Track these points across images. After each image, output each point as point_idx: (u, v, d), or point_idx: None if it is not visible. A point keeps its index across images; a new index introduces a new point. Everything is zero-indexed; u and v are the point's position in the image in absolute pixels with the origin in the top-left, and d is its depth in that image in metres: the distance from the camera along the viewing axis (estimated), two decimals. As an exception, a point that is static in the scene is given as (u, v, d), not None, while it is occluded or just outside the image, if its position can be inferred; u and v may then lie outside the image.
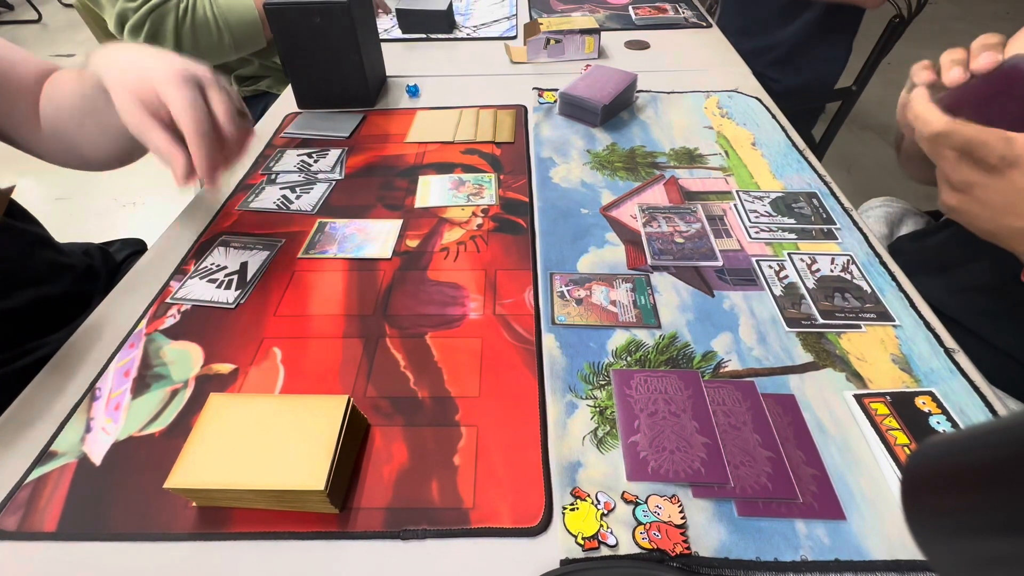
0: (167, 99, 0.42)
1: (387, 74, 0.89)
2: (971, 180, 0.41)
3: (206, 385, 0.43)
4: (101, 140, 0.55)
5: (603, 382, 0.43)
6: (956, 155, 0.41)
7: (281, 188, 0.64)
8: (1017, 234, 0.41)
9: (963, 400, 0.41)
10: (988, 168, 0.40)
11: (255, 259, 0.54)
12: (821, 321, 0.47)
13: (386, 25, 1.05)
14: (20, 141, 0.58)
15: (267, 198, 0.63)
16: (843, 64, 1.16)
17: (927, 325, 0.46)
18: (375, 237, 0.57)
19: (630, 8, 1.08)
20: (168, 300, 0.50)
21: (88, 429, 0.41)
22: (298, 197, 0.63)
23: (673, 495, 0.36)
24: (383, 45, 0.90)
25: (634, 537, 0.34)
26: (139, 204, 1.95)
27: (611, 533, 0.34)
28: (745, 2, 1.15)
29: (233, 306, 0.50)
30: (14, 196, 0.58)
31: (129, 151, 0.58)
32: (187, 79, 0.42)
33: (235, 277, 0.52)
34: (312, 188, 0.64)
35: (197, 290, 0.51)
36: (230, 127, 0.44)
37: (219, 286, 0.51)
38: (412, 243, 0.56)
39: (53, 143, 0.57)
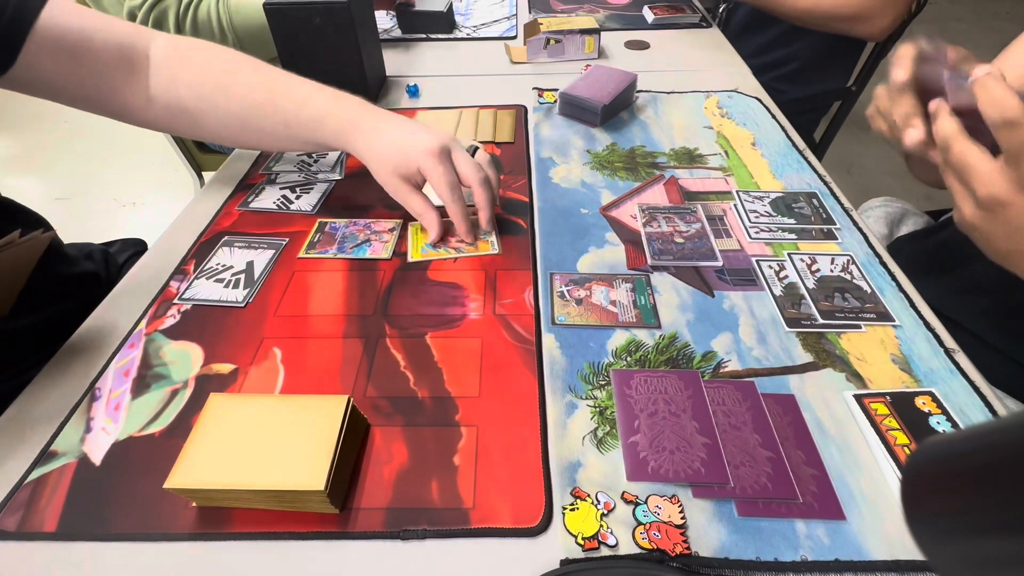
0: (427, 174, 0.52)
1: (387, 74, 0.89)
2: (1004, 199, 0.36)
3: (206, 385, 0.43)
4: (254, 142, 0.61)
5: (603, 382, 0.43)
6: (1000, 166, 0.36)
7: (281, 188, 0.64)
8: None
9: (963, 400, 0.41)
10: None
11: (260, 258, 0.54)
12: (821, 321, 0.47)
13: (386, 25, 1.05)
14: (107, 108, 0.56)
15: (267, 198, 0.63)
16: (850, 75, 1.15)
17: (927, 325, 0.46)
18: (375, 237, 0.57)
19: (645, 8, 1.07)
20: (175, 300, 0.50)
21: (88, 429, 0.41)
22: (298, 197, 0.63)
23: (673, 495, 0.36)
24: (383, 45, 0.90)
25: (634, 537, 0.34)
26: (139, 204, 1.95)
27: (611, 533, 0.34)
28: (753, 23, 1.13)
29: (243, 304, 0.50)
30: (19, 200, 0.58)
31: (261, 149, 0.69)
32: (441, 154, 0.51)
33: (242, 276, 0.52)
34: (312, 188, 0.64)
35: (204, 290, 0.51)
36: (475, 182, 0.53)
37: (227, 285, 0.51)
38: (412, 243, 0.56)
39: (175, 119, 0.58)
